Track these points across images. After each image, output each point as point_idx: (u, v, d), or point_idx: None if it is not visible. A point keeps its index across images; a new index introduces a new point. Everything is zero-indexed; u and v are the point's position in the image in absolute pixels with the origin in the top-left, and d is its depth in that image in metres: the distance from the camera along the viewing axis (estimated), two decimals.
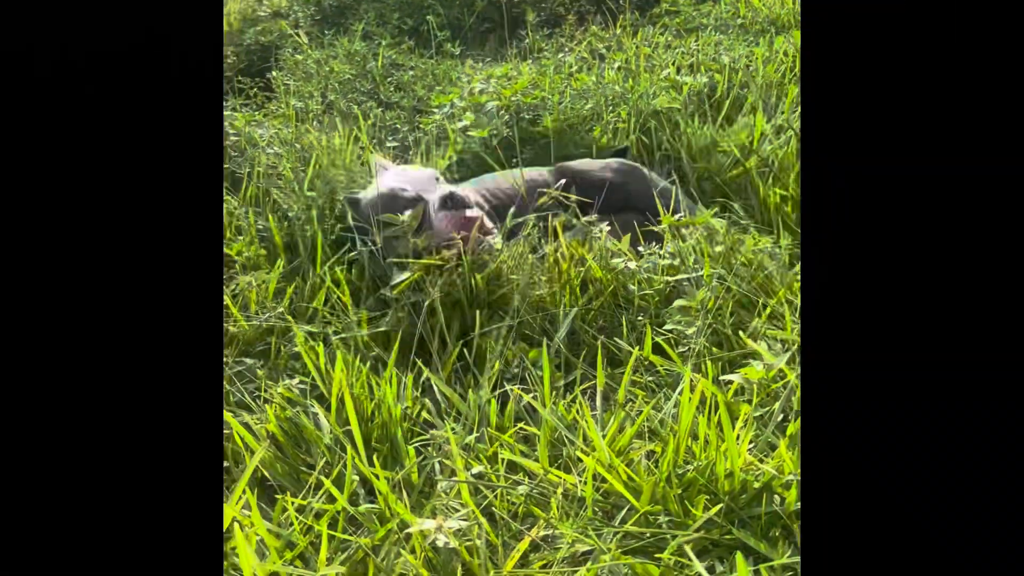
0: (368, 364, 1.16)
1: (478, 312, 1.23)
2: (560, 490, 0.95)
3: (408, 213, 1.37)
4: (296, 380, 1.16)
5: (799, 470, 0.81)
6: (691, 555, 0.82)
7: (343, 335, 1.25)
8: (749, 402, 1.04)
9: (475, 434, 1.06)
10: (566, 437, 1.02)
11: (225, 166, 1.71)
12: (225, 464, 1.07)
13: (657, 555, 0.86)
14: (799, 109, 1.83)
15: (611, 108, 1.87)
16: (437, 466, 1.03)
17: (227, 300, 1.33)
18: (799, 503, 0.82)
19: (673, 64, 2.11)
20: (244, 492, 0.95)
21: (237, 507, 0.93)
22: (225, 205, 1.63)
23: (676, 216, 1.44)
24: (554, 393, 1.13)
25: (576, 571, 0.86)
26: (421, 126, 1.99)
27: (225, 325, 1.30)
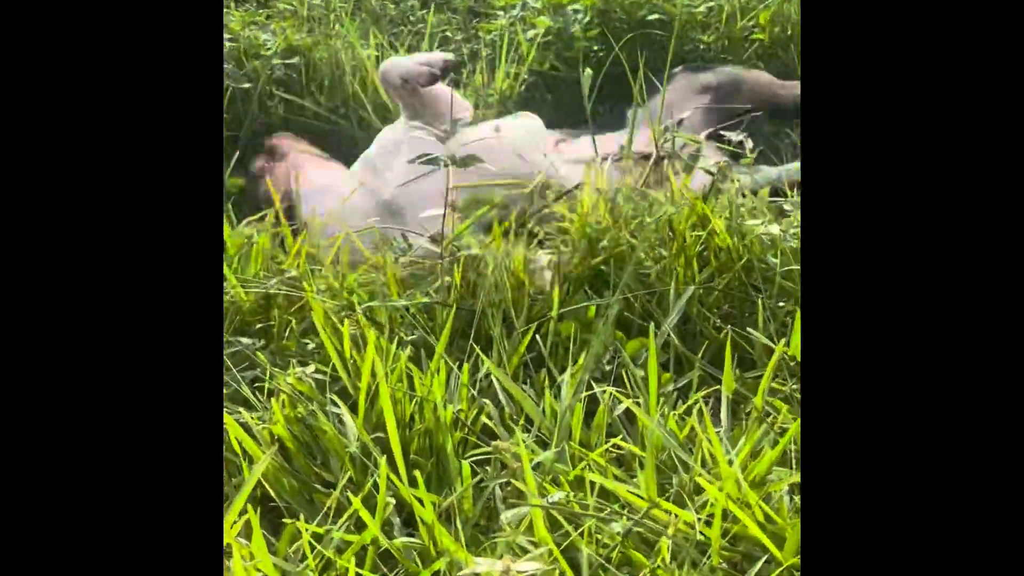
0: (408, 349, 1.16)
1: (558, 286, 1.22)
2: (672, 530, 0.94)
3: None
4: (311, 368, 1.17)
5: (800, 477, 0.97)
6: None
7: (371, 304, 1.26)
8: None
9: (553, 450, 1.05)
10: (678, 459, 1.02)
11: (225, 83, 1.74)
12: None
13: None
14: None
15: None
16: (499, 491, 1.03)
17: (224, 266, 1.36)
18: None
19: None
20: (243, 513, 0.96)
21: (234, 531, 0.95)
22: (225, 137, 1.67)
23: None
24: (662, 400, 1.13)
25: None
26: (479, 34, 1.99)
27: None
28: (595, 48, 1.79)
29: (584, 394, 1.12)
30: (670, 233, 1.32)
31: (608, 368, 1.19)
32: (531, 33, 1.87)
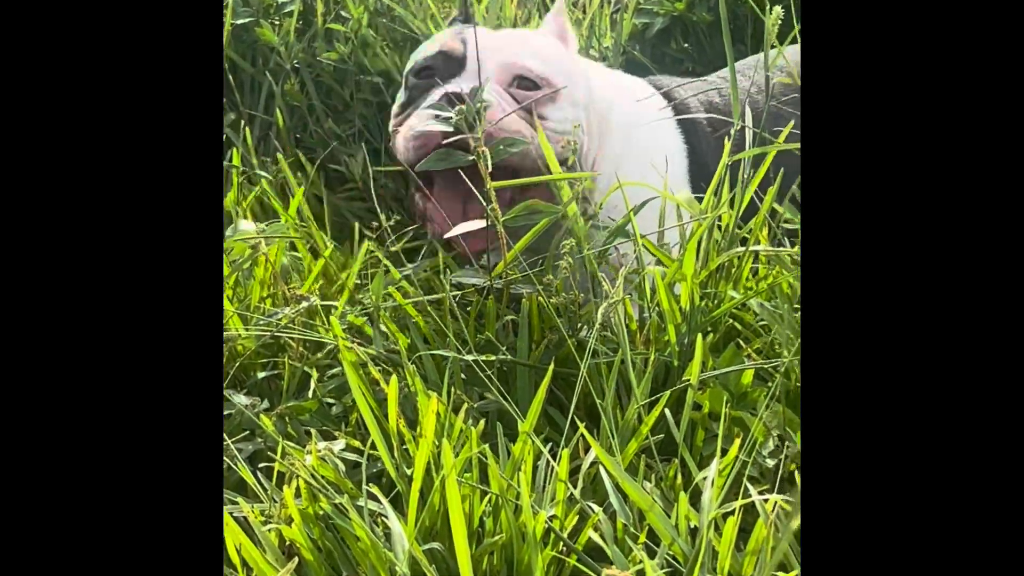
0: (478, 423, 1.01)
1: (699, 337, 1.05)
2: None
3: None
4: (339, 444, 1.03)
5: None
6: None
7: (430, 352, 1.12)
8: None
9: None
10: None
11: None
12: None
13: None
14: None
15: None
16: None
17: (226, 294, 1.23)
18: None
19: None
20: None
21: None
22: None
23: None
24: None
25: None
26: None
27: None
28: None
29: (738, 503, 0.96)
30: None
31: (770, 463, 1.03)
32: None
